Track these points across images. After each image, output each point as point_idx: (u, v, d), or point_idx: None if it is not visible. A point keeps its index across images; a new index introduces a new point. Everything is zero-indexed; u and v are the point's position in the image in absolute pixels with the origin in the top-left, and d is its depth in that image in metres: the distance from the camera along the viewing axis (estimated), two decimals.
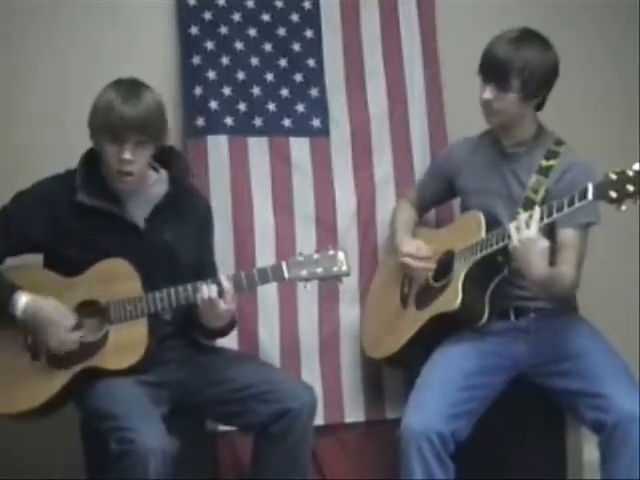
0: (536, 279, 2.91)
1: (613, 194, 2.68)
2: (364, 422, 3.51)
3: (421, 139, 3.62)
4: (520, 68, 2.97)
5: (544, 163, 3.07)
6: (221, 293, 2.89)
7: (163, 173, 3.06)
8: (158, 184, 3.04)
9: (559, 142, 3.12)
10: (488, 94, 3.02)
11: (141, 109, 2.87)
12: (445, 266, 3.15)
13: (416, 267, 3.21)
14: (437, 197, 3.41)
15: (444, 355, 3.07)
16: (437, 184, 3.34)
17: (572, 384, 2.98)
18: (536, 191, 3.05)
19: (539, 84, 3.02)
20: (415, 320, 3.18)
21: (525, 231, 2.82)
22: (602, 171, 3.07)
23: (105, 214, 2.95)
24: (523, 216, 2.84)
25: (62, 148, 3.29)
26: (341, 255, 2.94)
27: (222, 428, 3.27)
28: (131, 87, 2.92)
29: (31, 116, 3.38)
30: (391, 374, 3.47)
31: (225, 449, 3.37)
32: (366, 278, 3.51)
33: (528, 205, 3.03)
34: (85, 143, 3.04)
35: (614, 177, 2.69)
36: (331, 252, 2.95)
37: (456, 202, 3.40)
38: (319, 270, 2.93)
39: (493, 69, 3.00)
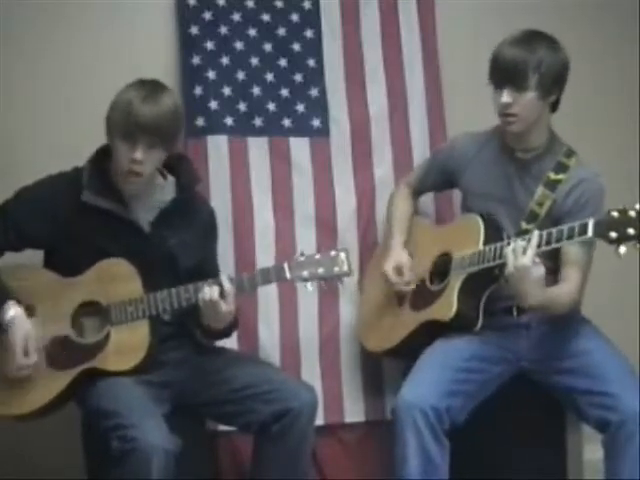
0: (531, 305, 2.93)
1: (613, 234, 2.65)
2: (364, 422, 3.51)
3: (421, 139, 3.62)
4: (536, 64, 2.92)
5: (552, 176, 3.04)
6: (222, 294, 2.88)
7: (170, 179, 3.06)
8: (165, 190, 3.04)
9: (570, 153, 3.08)
10: (506, 97, 2.95)
11: (158, 111, 2.85)
12: (441, 268, 3.15)
13: (395, 288, 3.22)
14: (437, 187, 3.42)
15: (445, 341, 3.07)
16: (438, 177, 3.33)
17: (576, 382, 2.98)
18: (541, 204, 3.03)
19: (554, 80, 2.97)
20: (410, 321, 3.19)
21: (520, 258, 2.80)
22: (603, 172, 3.10)
23: (110, 216, 2.94)
24: (520, 242, 2.82)
25: (63, 147, 3.29)
26: (342, 255, 2.95)
27: (222, 428, 3.27)
28: (152, 88, 2.91)
29: (31, 116, 3.38)
30: (391, 374, 3.47)
31: (226, 449, 3.37)
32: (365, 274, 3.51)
33: (531, 218, 3.03)
34: (85, 142, 3.04)
35: (616, 215, 2.66)
36: (333, 252, 2.96)
37: (457, 197, 3.39)
38: (320, 270, 2.94)
39: (508, 70, 2.94)
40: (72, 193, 2.94)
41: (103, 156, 2.98)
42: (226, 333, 3.09)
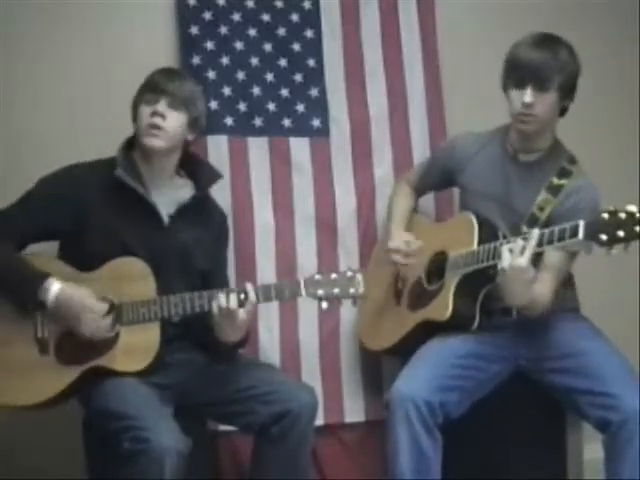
0: (516, 304, 2.96)
1: (603, 237, 2.64)
2: (364, 422, 3.51)
3: (421, 139, 3.62)
4: (560, 66, 2.93)
5: (555, 181, 3.05)
6: (242, 303, 2.88)
7: (188, 181, 3.10)
8: (183, 189, 3.07)
9: (572, 160, 3.09)
10: (530, 97, 2.94)
11: (181, 81, 3.02)
12: (437, 267, 3.15)
13: (403, 264, 3.20)
14: (437, 186, 3.42)
15: (442, 338, 3.08)
16: (438, 176, 3.33)
17: (576, 382, 2.98)
18: (542, 209, 3.03)
19: (573, 84, 3.00)
20: (407, 321, 3.19)
21: (518, 258, 2.80)
22: (603, 172, 3.11)
23: (134, 199, 2.95)
24: (519, 242, 2.81)
25: (64, 147, 3.30)
26: (359, 277, 2.93)
27: (223, 428, 3.27)
28: (176, 69, 3.16)
29: (33, 116, 3.38)
30: (391, 374, 3.46)
31: (226, 449, 3.37)
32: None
33: (532, 222, 3.02)
34: (86, 141, 3.05)
35: (606, 217, 2.64)
36: (349, 273, 2.94)
37: (457, 196, 3.39)
38: (336, 291, 2.93)
39: (532, 70, 2.93)
40: (100, 177, 2.97)
41: (130, 146, 3.03)
42: (237, 347, 3.07)
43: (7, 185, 3.06)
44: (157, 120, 2.94)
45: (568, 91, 3.00)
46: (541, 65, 2.93)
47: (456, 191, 3.37)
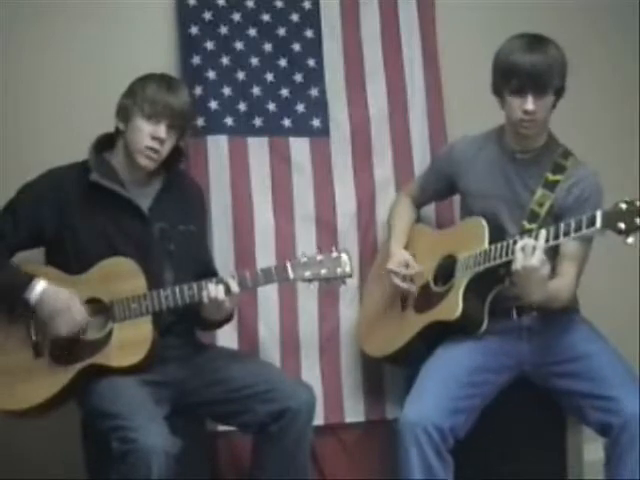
0: (534, 301, 2.95)
1: (621, 225, 2.66)
2: (364, 422, 3.51)
3: (421, 139, 3.62)
4: (554, 68, 2.94)
5: (550, 177, 3.06)
6: (228, 294, 2.91)
7: (159, 168, 3.10)
8: (156, 177, 3.08)
9: (566, 154, 3.10)
10: (531, 105, 2.95)
11: (181, 98, 3.00)
12: (446, 270, 3.14)
13: (400, 287, 3.21)
14: (439, 195, 3.41)
15: (448, 351, 3.07)
16: (439, 183, 3.33)
17: (578, 386, 2.98)
18: (541, 205, 3.04)
19: (564, 82, 3.00)
20: (414, 323, 3.18)
21: (529, 258, 2.80)
22: (603, 172, 3.11)
23: (114, 199, 2.97)
24: (530, 241, 2.82)
25: (64, 147, 3.29)
26: (345, 257, 2.97)
27: (222, 428, 3.27)
28: (171, 79, 3.07)
29: (33, 116, 3.38)
30: (391, 374, 3.47)
31: (225, 449, 3.37)
32: (366, 278, 3.51)
33: (532, 218, 3.04)
34: (89, 140, 3.05)
35: (624, 207, 2.67)
36: (335, 254, 2.97)
37: (457, 202, 3.39)
38: (323, 271, 2.96)
39: (532, 76, 2.92)
40: (77, 180, 2.99)
41: (102, 146, 3.04)
42: (221, 324, 3.13)
43: (7, 184, 3.05)
44: (157, 146, 2.96)
45: (562, 89, 3.02)
46: (540, 71, 2.93)
47: (456, 198, 3.37)
